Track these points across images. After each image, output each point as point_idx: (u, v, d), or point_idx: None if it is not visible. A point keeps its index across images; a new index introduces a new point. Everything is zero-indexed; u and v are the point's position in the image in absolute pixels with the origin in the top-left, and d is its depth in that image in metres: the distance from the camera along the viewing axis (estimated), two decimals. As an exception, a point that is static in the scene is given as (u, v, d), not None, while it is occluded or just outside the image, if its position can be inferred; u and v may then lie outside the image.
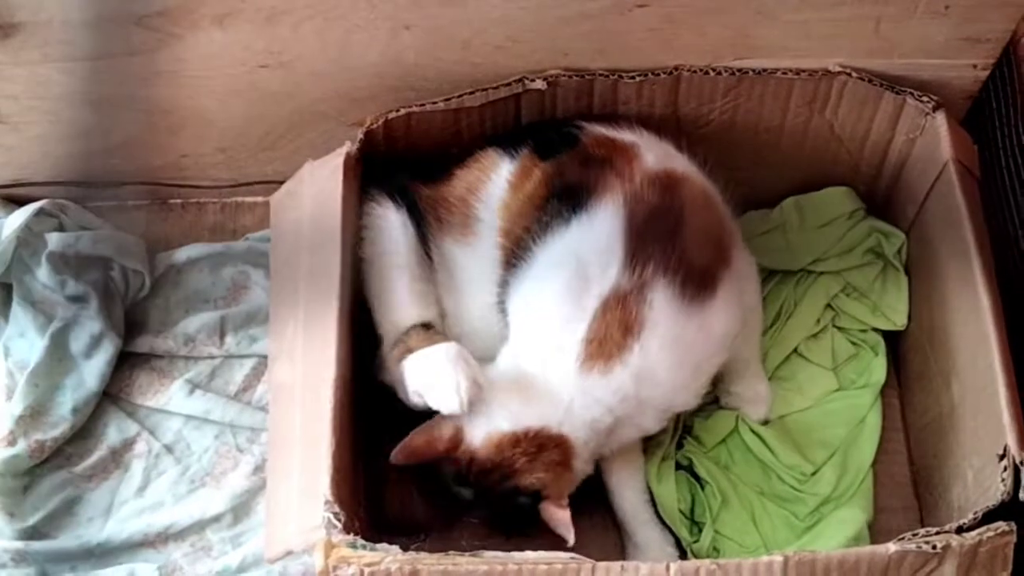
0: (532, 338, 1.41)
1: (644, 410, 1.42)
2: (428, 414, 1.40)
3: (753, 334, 1.58)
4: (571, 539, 1.38)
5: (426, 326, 1.48)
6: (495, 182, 1.49)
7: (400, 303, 1.49)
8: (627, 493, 1.55)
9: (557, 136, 1.50)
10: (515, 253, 1.42)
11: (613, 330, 1.37)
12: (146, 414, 1.65)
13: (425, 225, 1.52)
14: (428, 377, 1.36)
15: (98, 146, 1.69)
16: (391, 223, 1.52)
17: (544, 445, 1.38)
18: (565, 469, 1.40)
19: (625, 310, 1.36)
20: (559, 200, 1.42)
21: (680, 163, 1.48)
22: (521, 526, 1.43)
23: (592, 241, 1.39)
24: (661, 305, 1.37)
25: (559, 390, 1.38)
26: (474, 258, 1.49)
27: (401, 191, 1.54)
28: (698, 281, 1.39)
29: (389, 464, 1.40)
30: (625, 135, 1.49)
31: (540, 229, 1.41)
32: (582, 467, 1.43)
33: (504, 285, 1.44)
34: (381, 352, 1.48)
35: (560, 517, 1.39)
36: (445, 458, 1.40)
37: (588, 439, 1.40)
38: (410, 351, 1.41)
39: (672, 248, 1.38)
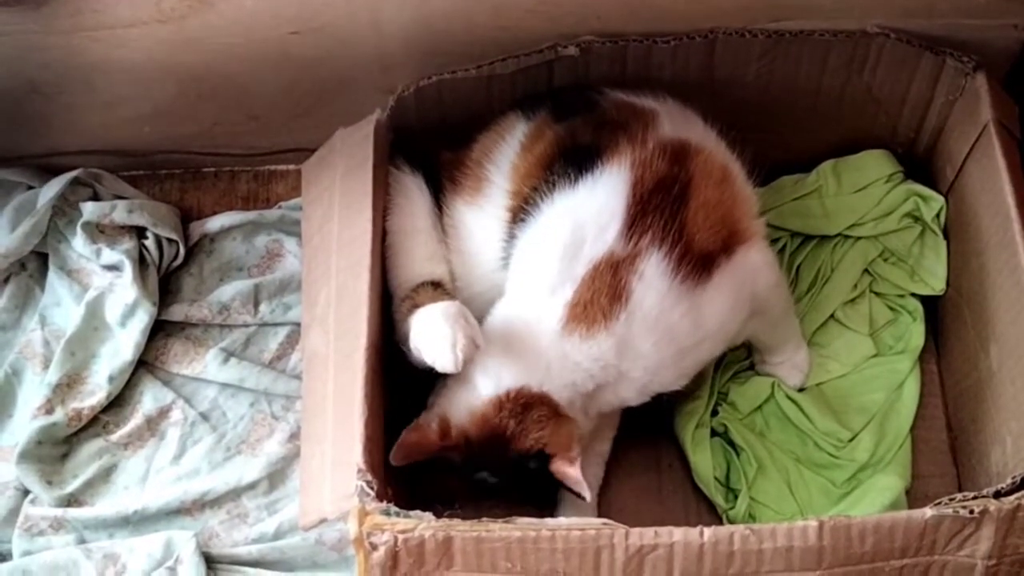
0: (522, 297, 1.39)
1: (623, 381, 1.39)
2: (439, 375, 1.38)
3: (777, 316, 1.54)
4: (587, 495, 1.36)
5: (435, 284, 1.46)
6: (509, 143, 1.48)
7: (411, 260, 1.48)
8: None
9: (577, 100, 1.49)
10: (523, 210, 1.41)
11: (600, 296, 1.34)
12: (181, 382, 1.66)
13: (440, 190, 1.51)
14: (427, 334, 1.34)
15: (130, 115, 1.70)
16: (406, 187, 1.51)
17: (528, 404, 1.36)
18: (560, 420, 1.37)
19: (615, 277, 1.34)
20: (567, 160, 1.40)
21: (700, 134, 1.45)
22: (544, 494, 1.41)
23: (594, 204, 1.37)
24: (652, 278, 1.34)
25: (540, 351, 1.36)
26: (482, 219, 1.47)
27: (420, 157, 1.53)
28: (694, 263, 1.36)
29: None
30: (647, 101, 1.47)
31: (547, 188, 1.39)
32: (580, 420, 1.40)
33: (511, 239, 1.42)
34: (393, 307, 1.46)
35: (570, 474, 1.36)
36: (447, 449, 1.38)
37: (572, 398, 1.38)
38: (416, 306, 1.40)
39: (673, 221, 1.35)
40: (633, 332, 1.35)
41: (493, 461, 1.38)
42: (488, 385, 1.37)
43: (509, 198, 1.44)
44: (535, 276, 1.38)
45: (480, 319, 1.41)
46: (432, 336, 1.33)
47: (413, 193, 1.51)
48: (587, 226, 1.36)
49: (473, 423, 1.37)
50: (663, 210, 1.36)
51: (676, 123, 1.43)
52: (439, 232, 1.51)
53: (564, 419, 1.37)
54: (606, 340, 1.35)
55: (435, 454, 1.38)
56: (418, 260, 1.48)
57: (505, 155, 1.48)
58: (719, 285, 1.38)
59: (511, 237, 1.42)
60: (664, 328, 1.36)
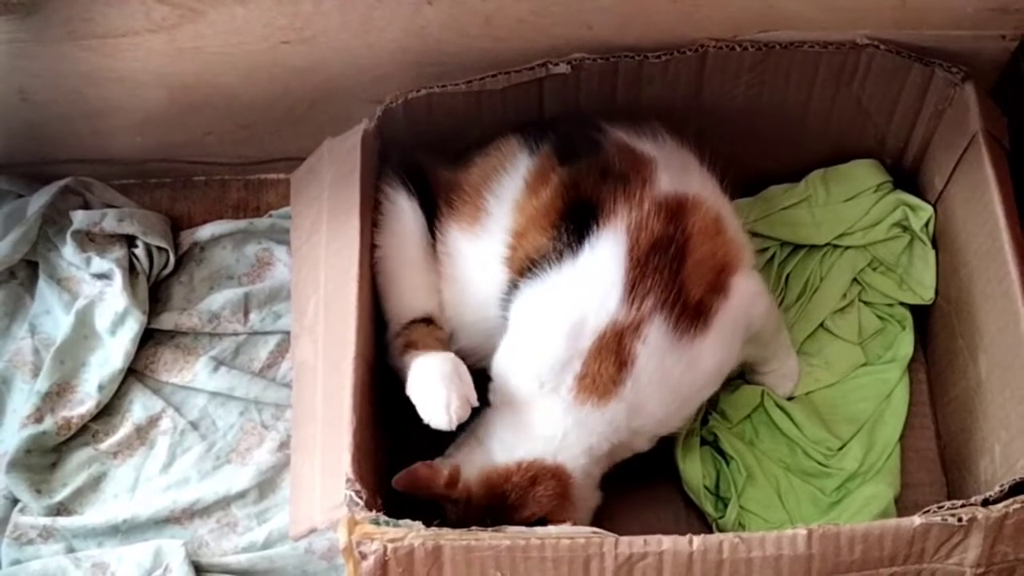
0: (527, 371, 1.38)
1: (636, 436, 1.40)
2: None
3: (769, 336, 1.54)
4: None
5: (427, 320, 1.48)
6: (511, 176, 1.47)
7: (403, 295, 1.48)
8: None
9: (580, 137, 1.47)
10: (529, 266, 1.39)
11: (608, 365, 1.34)
12: (171, 391, 1.66)
13: (435, 211, 1.50)
14: (423, 390, 1.36)
15: (121, 124, 1.70)
16: (402, 211, 1.50)
17: (538, 477, 1.36)
18: (563, 500, 1.37)
19: (620, 345, 1.34)
20: (571, 223, 1.38)
21: (695, 182, 1.44)
22: None
23: (594, 274, 1.36)
24: (654, 341, 1.35)
25: (554, 422, 1.37)
26: (478, 250, 1.46)
27: (415, 175, 1.52)
28: (692, 315, 1.36)
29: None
30: (646, 146, 1.46)
31: (555, 255, 1.38)
32: (586, 496, 1.41)
33: (513, 288, 1.41)
34: (387, 338, 1.47)
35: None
36: (446, 498, 1.38)
37: (587, 467, 1.39)
38: (411, 345, 1.42)
39: (672, 282, 1.35)
40: (641, 394, 1.36)
41: (488, 519, 1.34)
42: (502, 453, 1.38)
43: (511, 236, 1.43)
44: (541, 353, 1.37)
45: (469, 347, 1.44)
46: (427, 394, 1.35)
47: (406, 217, 1.50)
48: (588, 299, 1.35)
49: (479, 484, 1.37)
50: (661, 271, 1.35)
51: (673, 173, 1.42)
52: (431, 260, 1.50)
53: (567, 500, 1.38)
54: (616, 406, 1.36)
55: (435, 497, 1.37)
56: (409, 293, 1.48)
57: (507, 189, 1.46)
58: (718, 329, 1.38)
59: (514, 287, 1.41)
60: (669, 385, 1.37)
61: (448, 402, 1.34)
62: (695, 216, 1.39)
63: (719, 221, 1.42)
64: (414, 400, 1.37)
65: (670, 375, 1.37)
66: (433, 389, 1.35)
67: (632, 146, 1.46)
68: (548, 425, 1.37)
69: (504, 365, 1.41)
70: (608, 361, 1.35)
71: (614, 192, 1.38)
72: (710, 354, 1.39)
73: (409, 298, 1.48)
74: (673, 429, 1.45)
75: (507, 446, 1.38)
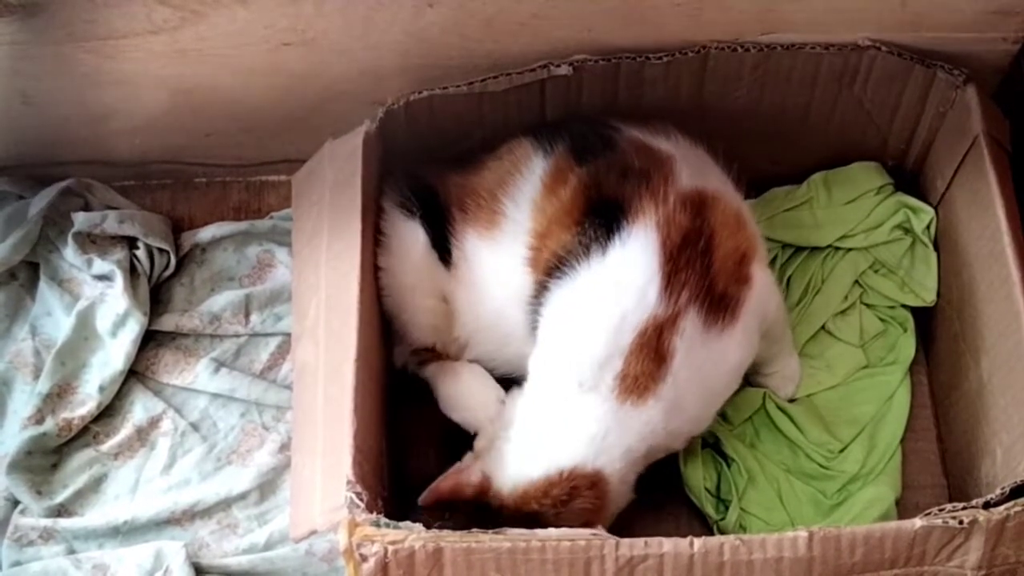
0: (565, 372, 1.36)
1: (671, 437, 1.39)
2: None
3: (779, 334, 1.54)
4: None
5: (430, 349, 1.52)
6: (527, 178, 1.46)
7: (409, 319, 1.50)
8: None
9: (594, 136, 1.47)
10: (557, 268, 1.38)
11: (648, 362, 1.33)
12: (172, 392, 1.66)
13: (448, 216, 1.50)
14: (456, 396, 1.40)
15: (122, 125, 1.70)
16: (402, 234, 1.50)
17: (577, 488, 1.33)
18: (599, 513, 1.35)
19: (660, 340, 1.33)
20: (596, 219, 1.37)
21: (713, 179, 1.45)
22: None
23: (630, 268, 1.35)
24: (691, 334, 1.34)
25: (592, 424, 1.34)
26: (498, 254, 1.45)
27: (417, 190, 1.52)
28: (720, 308, 1.36)
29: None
30: (662, 144, 1.46)
31: (582, 250, 1.36)
32: (617, 501, 1.39)
33: (543, 290, 1.39)
34: (398, 350, 1.50)
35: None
36: (473, 504, 1.36)
37: (623, 470, 1.36)
38: (426, 361, 1.47)
39: (705, 275, 1.35)
40: (678, 391, 1.35)
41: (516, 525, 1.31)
42: (538, 461, 1.35)
43: (532, 237, 1.42)
44: (583, 349, 1.35)
45: (485, 354, 1.47)
46: (461, 398, 1.40)
47: (406, 238, 1.50)
48: (627, 293, 1.34)
49: (514, 497, 1.35)
50: (694, 264, 1.35)
51: (692, 169, 1.42)
52: (434, 282, 1.50)
53: (602, 510, 1.36)
54: (656, 404, 1.34)
55: (462, 504, 1.36)
56: (415, 321, 1.50)
57: (524, 192, 1.45)
58: (744, 321, 1.38)
59: (543, 288, 1.40)
60: (703, 380, 1.37)
61: (486, 401, 1.37)
62: (717, 210, 1.40)
63: (740, 215, 1.43)
64: (449, 406, 1.40)
65: (703, 370, 1.36)
66: (469, 392, 1.39)
67: (649, 144, 1.46)
68: (588, 427, 1.34)
69: (541, 366, 1.39)
70: (648, 358, 1.33)
71: (638, 189, 1.38)
72: (737, 346, 1.39)
73: (415, 327, 1.51)
74: (703, 428, 1.44)
75: (544, 451, 1.35)
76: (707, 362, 1.36)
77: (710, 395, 1.40)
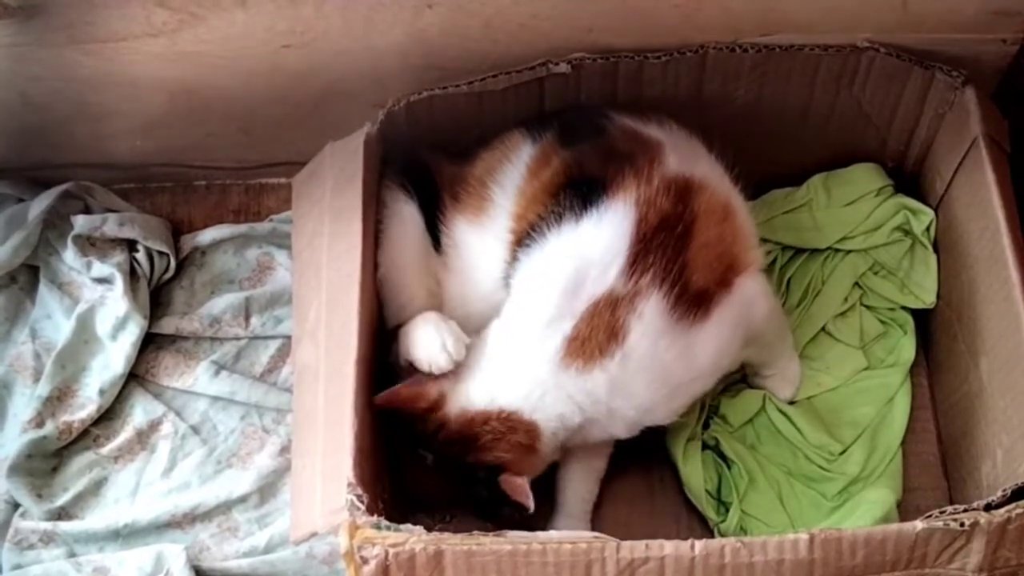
0: (521, 323, 1.40)
1: (613, 417, 1.40)
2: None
3: (771, 341, 1.55)
4: (531, 506, 1.37)
5: None
6: (514, 165, 1.48)
7: (401, 298, 1.49)
8: (573, 486, 1.54)
9: (584, 124, 1.48)
10: (528, 235, 1.41)
11: (598, 333, 1.35)
12: (172, 395, 1.66)
13: (439, 204, 1.51)
14: (415, 340, 1.40)
15: (122, 128, 1.70)
16: (400, 212, 1.51)
17: (514, 428, 1.38)
18: (530, 452, 1.40)
19: (614, 315, 1.35)
20: (574, 190, 1.40)
21: (704, 167, 1.45)
22: (493, 506, 1.42)
23: (598, 240, 1.36)
24: (650, 318, 1.35)
25: (537, 379, 1.37)
26: (485, 239, 1.47)
27: (416, 174, 1.53)
28: (692, 302, 1.36)
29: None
30: (653, 130, 1.47)
31: (554, 218, 1.39)
32: (548, 453, 1.42)
33: (513, 260, 1.43)
34: (388, 339, 1.49)
35: (517, 485, 1.38)
36: (420, 417, 1.40)
37: (557, 430, 1.40)
38: None
39: (675, 261, 1.36)
40: (627, 371, 1.36)
41: (446, 453, 1.40)
42: (484, 397, 1.39)
43: (513, 221, 1.44)
44: (536, 306, 1.38)
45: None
46: (422, 341, 1.40)
47: (405, 219, 1.51)
48: (590, 263, 1.36)
49: (457, 419, 1.39)
50: (665, 249, 1.36)
51: (681, 156, 1.43)
52: (429, 262, 1.51)
53: (533, 453, 1.40)
54: (599, 376, 1.36)
55: (410, 414, 1.40)
56: (407, 298, 1.49)
57: (510, 177, 1.47)
58: (717, 322, 1.38)
59: (514, 259, 1.42)
60: (658, 368, 1.37)
61: (443, 342, 1.38)
62: (702, 198, 1.40)
63: (727, 208, 1.43)
64: (411, 353, 1.40)
65: (662, 358, 1.36)
66: (426, 334, 1.40)
67: (638, 130, 1.47)
68: (531, 381, 1.38)
69: (503, 318, 1.42)
70: (600, 329, 1.35)
71: (622, 169, 1.39)
72: (706, 345, 1.38)
73: (407, 304, 1.49)
74: (658, 420, 1.43)
75: (490, 392, 1.39)
76: (669, 352, 1.36)
77: (669, 388, 1.40)
